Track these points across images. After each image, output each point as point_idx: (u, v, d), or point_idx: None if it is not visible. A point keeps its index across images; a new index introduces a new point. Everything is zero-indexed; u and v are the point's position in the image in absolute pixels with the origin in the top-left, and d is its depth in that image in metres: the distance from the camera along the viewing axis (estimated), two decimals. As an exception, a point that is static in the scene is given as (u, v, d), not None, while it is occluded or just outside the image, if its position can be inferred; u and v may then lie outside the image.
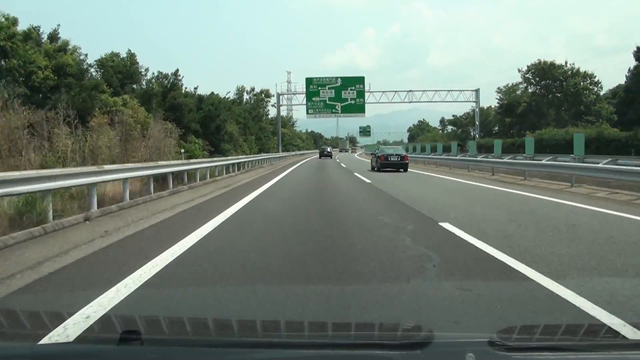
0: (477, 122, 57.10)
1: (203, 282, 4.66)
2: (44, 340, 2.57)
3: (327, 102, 56.48)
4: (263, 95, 59.72)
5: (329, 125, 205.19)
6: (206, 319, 2.90)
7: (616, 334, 2.65)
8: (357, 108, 56.37)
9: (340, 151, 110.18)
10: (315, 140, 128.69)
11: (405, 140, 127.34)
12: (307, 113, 56.84)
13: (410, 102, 58.16)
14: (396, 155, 25.66)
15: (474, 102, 58.12)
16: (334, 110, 56.53)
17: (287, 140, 71.91)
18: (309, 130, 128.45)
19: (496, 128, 64.77)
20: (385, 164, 25.02)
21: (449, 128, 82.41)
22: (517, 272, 4.81)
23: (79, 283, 4.67)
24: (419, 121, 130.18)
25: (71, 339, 2.86)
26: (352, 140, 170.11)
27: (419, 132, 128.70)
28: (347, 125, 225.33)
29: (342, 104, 56.42)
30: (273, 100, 60.76)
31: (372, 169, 26.67)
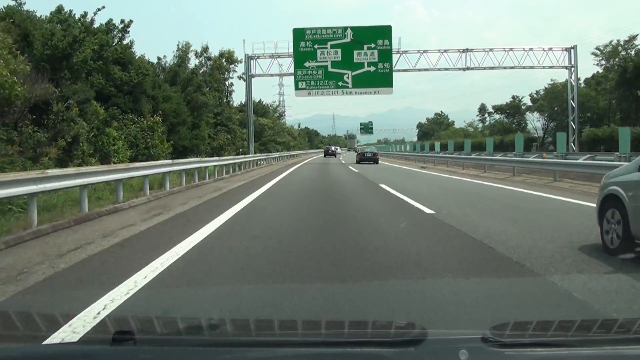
0: (573, 102, 34.42)
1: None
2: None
3: (329, 69, 33.76)
4: (224, 59, 36.62)
5: (325, 125, 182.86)
6: (199, 318, 2.84)
7: (609, 329, 2.21)
8: (380, 79, 33.66)
9: (349, 150, 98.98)
10: (310, 138, 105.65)
11: (412, 139, 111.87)
12: (296, 88, 34.10)
13: (465, 70, 35.45)
14: (370, 152, 39.61)
15: (565, 67, 35.60)
16: (340, 84, 33.80)
17: (269, 135, 49.08)
18: (301, 126, 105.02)
19: (588, 113, 42.17)
20: (363, 158, 37.17)
21: (493, 118, 59.80)
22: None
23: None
24: (436, 114, 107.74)
25: (64, 340, 2.74)
26: (352, 139, 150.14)
27: (436, 127, 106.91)
28: (343, 124, 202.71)
29: (353, 73, 33.73)
30: (241, 69, 37.83)
31: (357, 162, 36.90)
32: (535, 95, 47.84)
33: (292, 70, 34.07)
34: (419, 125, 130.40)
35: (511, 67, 35.69)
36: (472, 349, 1.46)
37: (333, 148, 61.76)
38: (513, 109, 51.35)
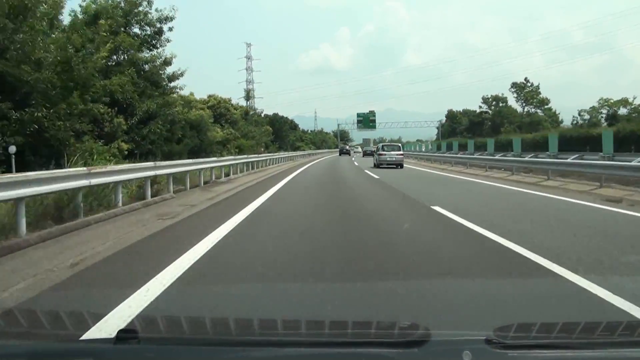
0: None
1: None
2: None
3: None
4: None
5: (308, 125, 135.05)
6: (203, 317, 2.79)
7: (613, 331, 2.20)
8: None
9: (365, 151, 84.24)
10: (277, 131, 59.21)
11: (420, 136, 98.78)
12: None
13: None
14: (370, 150, 57.07)
15: None
16: None
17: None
18: (263, 113, 58.55)
19: None
20: (366, 153, 59.02)
21: None
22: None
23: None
24: (515, 84, 62.86)
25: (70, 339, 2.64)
26: (344, 137, 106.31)
27: (510, 112, 62.24)
28: (324, 125, 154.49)
29: None
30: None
31: (362, 155, 61.00)
32: None
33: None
34: (450, 115, 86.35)
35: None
36: (475, 350, 1.45)
37: (347, 147, 75.33)
38: None
